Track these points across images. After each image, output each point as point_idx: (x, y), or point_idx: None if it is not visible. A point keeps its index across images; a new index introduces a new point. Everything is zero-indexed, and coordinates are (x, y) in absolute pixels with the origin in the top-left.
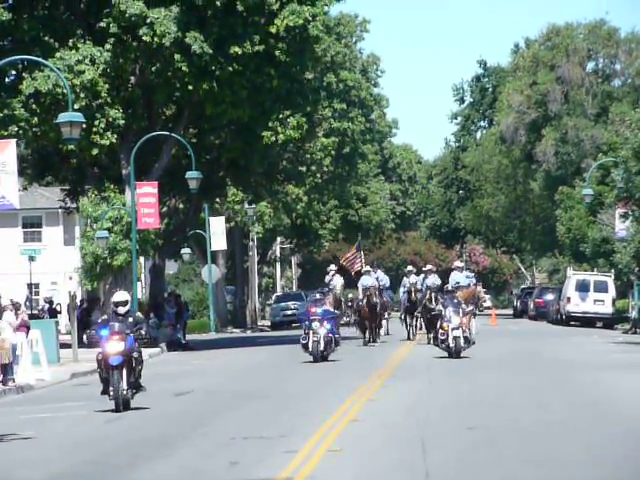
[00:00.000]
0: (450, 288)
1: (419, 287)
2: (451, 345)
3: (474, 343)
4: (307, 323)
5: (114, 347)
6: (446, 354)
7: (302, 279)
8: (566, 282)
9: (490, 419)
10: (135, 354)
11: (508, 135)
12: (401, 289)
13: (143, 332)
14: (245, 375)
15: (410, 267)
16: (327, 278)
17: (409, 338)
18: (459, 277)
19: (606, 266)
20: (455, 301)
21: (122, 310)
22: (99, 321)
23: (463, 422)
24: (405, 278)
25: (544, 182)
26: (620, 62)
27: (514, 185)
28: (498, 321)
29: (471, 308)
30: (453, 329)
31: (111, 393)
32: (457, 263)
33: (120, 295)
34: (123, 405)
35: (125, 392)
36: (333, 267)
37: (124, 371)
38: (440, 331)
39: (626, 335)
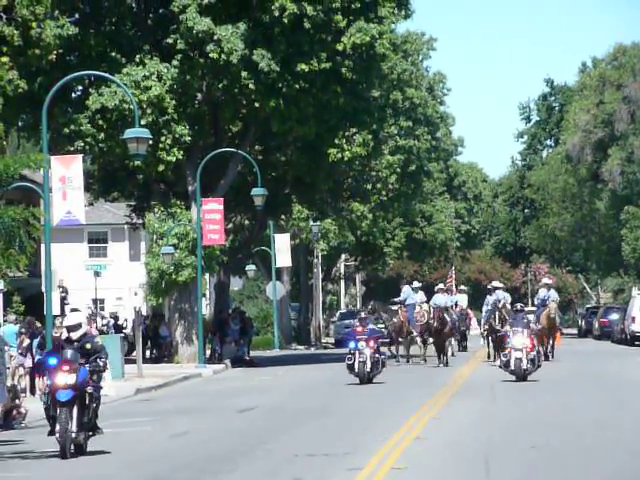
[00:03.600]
0: (536, 305)
1: (501, 305)
2: (512, 368)
3: (540, 366)
4: (353, 343)
5: (63, 379)
6: (511, 376)
7: (366, 296)
8: (631, 302)
9: (554, 438)
10: (89, 389)
11: (574, 154)
12: (484, 307)
13: (101, 363)
14: (308, 392)
15: (496, 282)
16: (407, 294)
17: (489, 358)
18: (548, 294)
19: None
20: (524, 321)
21: (75, 335)
22: (49, 348)
23: (526, 441)
24: (489, 296)
25: (610, 201)
26: None
27: (580, 204)
28: (563, 341)
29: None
30: (516, 350)
31: (57, 435)
32: (545, 280)
33: (72, 317)
34: (75, 449)
35: (75, 435)
36: (417, 284)
37: (74, 409)
38: (504, 352)
39: None
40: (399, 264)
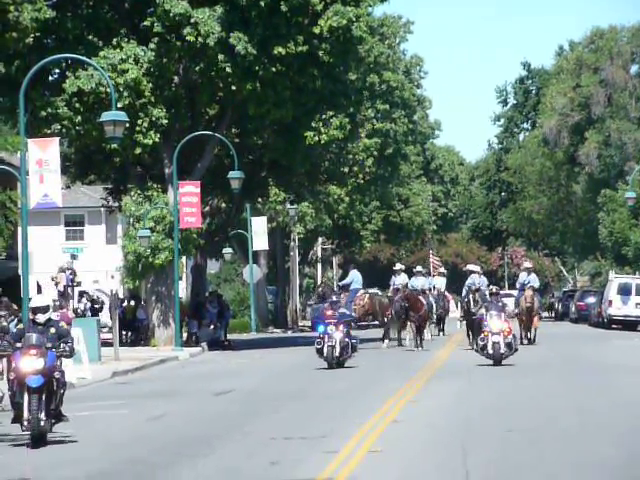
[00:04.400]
0: (517, 289)
1: (475, 288)
2: (490, 352)
3: (516, 350)
4: (323, 327)
5: (31, 364)
6: (487, 360)
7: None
8: (608, 285)
9: (530, 421)
10: (57, 374)
11: (551, 137)
12: (464, 291)
13: (67, 347)
14: (286, 375)
15: (471, 266)
16: (394, 278)
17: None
18: (528, 278)
19: None
20: (499, 304)
21: (41, 318)
22: (14, 331)
23: (503, 424)
24: (468, 280)
25: (587, 185)
26: None
27: (557, 188)
28: (540, 324)
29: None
30: (493, 334)
31: (25, 423)
32: (526, 264)
33: (39, 300)
34: (39, 438)
35: (43, 423)
36: (400, 266)
37: (43, 396)
38: (481, 336)
39: None
40: (376, 247)
